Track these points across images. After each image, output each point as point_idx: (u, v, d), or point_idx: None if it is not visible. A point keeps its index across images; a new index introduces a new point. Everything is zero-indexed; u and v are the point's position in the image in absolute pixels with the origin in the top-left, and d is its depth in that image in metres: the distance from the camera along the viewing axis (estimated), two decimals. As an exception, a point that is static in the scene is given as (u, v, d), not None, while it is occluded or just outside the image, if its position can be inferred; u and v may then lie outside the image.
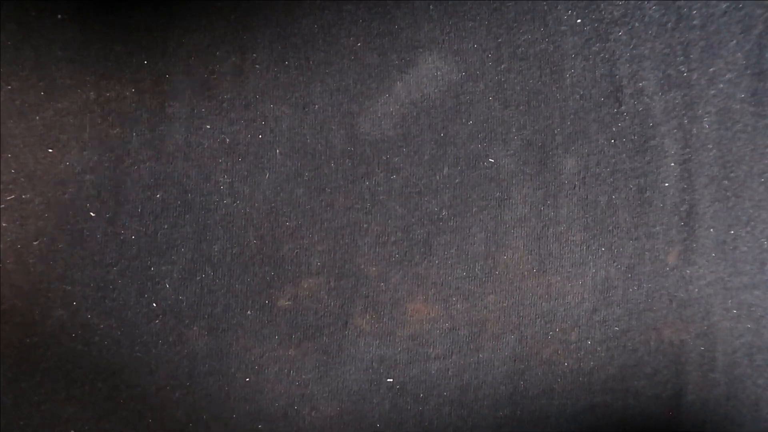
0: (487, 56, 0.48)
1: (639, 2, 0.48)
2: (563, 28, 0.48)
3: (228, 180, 0.47)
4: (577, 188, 0.48)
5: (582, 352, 0.49)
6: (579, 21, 0.48)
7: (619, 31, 0.48)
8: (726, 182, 0.49)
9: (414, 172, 0.48)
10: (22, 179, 0.45)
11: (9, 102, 0.45)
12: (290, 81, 0.47)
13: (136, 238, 0.46)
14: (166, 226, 0.47)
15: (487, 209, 0.48)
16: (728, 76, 0.48)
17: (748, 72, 0.48)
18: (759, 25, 0.48)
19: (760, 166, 0.49)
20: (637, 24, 0.48)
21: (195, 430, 0.48)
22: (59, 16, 0.45)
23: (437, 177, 0.48)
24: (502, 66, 0.48)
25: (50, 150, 0.46)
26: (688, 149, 0.49)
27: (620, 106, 0.48)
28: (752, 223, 0.49)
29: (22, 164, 0.45)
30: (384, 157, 0.48)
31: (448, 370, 0.49)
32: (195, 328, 0.47)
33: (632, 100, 0.48)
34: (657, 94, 0.48)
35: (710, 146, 0.49)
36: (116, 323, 0.46)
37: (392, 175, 0.48)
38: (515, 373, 0.49)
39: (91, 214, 0.46)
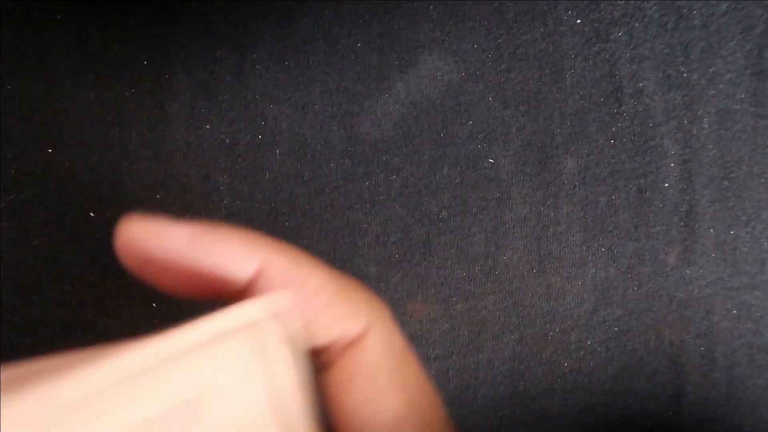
0: (487, 56, 0.48)
1: (639, 2, 0.48)
2: (563, 28, 0.48)
3: (228, 180, 0.47)
4: (577, 188, 0.48)
5: (582, 353, 0.49)
6: (579, 21, 0.48)
7: (619, 31, 0.48)
8: (726, 182, 0.49)
9: (414, 172, 0.48)
10: (22, 179, 0.45)
11: (9, 102, 0.45)
12: (290, 81, 0.47)
13: (136, 238, 0.46)
14: (166, 226, 0.47)
15: (486, 209, 0.48)
16: (728, 76, 0.48)
17: (748, 72, 0.48)
18: (759, 25, 0.48)
19: (760, 166, 0.49)
20: (637, 24, 0.48)
21: (195, 430, 0.47)
22: (59, 16, 0.45)
23: (437, 177, 0.48)
24: (502, 66, 0.48)
25: (50, 150, 0.46)
26: (688, 149, 0.49)
27: (620, 106, 0.48)
28: (752, 223, 0.49)
29: (22, 164, 0.45)
30: (384, 157, 0.48)
31: (448, 370, 0.49)
32: (195, 328, 0.47)
33: (632, 100, 0.48)
34: (657, 94, 0.48)
35: (710, 146, 0.49)
36: (116, 323, 0.46)
37: (392, 175, 0.48)
38: (515, 374, 0.49)
39: (91, 214, 0.46)
